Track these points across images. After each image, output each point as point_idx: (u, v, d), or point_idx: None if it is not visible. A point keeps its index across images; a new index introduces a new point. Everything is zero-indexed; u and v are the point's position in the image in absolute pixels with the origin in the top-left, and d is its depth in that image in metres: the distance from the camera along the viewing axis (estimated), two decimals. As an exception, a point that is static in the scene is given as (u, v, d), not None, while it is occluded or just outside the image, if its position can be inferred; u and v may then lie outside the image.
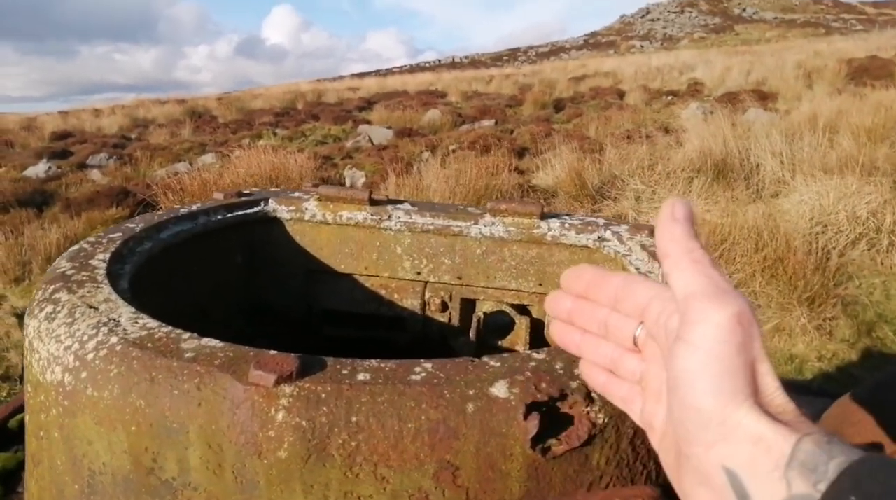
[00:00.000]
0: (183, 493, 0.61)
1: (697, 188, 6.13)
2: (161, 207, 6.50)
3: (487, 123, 12.48)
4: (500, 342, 1.19)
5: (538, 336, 1.21)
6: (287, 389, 0.59)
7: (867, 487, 0.37)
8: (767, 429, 0.42)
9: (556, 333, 0.60)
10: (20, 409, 1.05)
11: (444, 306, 1.23)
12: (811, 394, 1.99)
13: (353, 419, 0.58)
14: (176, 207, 1.14)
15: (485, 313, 1.21)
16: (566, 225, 1.15)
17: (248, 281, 1.25)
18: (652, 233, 1.07)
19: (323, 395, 0.58)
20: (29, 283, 5.48)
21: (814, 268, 4.33)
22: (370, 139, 11.22)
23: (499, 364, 0.64)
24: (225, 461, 0.59)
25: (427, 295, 1.24)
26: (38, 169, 9.87)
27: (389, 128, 12.02)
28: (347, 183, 8.22)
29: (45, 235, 5.85)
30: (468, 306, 1.25)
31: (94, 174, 9.51)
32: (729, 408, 0.43)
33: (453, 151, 9.26)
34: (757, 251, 4.30)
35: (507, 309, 1.20)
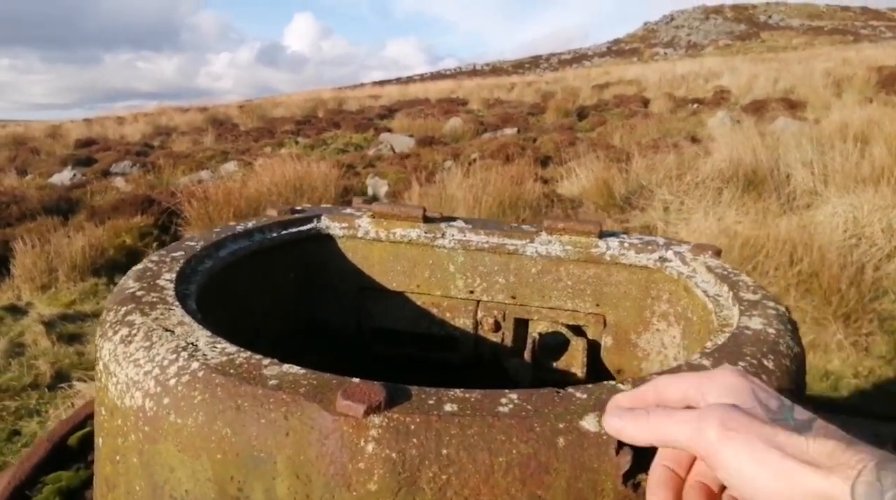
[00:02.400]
0: (269, 524, 0.61)
1: (727, 199, 6.06)
2: (186, 216, 6.55)
3: (510, 131, 12.46)
4: (555, 364, 1.18)
5: (594, 358, 1.19)
6: (376, 419, 0.58)
7: None
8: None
9: None
10: (79, 426, 1.06)
11: (497, 326, 1.22)
12: (859, 415, 1.95)
13: (444, 451, 0.57)
14: (231, 223, 1.14)
15: (540, 334, 1.19)
16: (625, 244, 1.13)
17: (301, 298, 1.25)
18: (717, 253, 1.05)
19: (412, 426, 0.58)
20: (55, 290, 5.53)
21: (849, 282, 4.25)
22: (392, 148, 11.25)
23: (585, 396, 0.63)
24: (313, 493, 0.59)
25: (480, 314, 1.23)
26: (64, 176, 10.01)
27: (411, 136, 12.04)
28: (370, 192, 8.24)
29: (71, 243, 5.89)
30: (521, 326, 1.23)
31: (118, 182, 9.61)
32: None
33: (476, 159, 9.26)
34: (792, 265, 4.24)
35: (563, 330, 1.18)
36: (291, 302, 1.24)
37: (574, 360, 1.16)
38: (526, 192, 6.68)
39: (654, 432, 0.52)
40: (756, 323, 0.81)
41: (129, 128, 17.20)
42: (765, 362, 0.72)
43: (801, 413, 0.50)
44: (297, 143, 12.53)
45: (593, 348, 1.19)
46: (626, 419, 0.54)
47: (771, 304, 0.88)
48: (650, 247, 1.12)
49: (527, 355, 1.17)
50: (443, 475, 0.57)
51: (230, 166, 9.88)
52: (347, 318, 1.29)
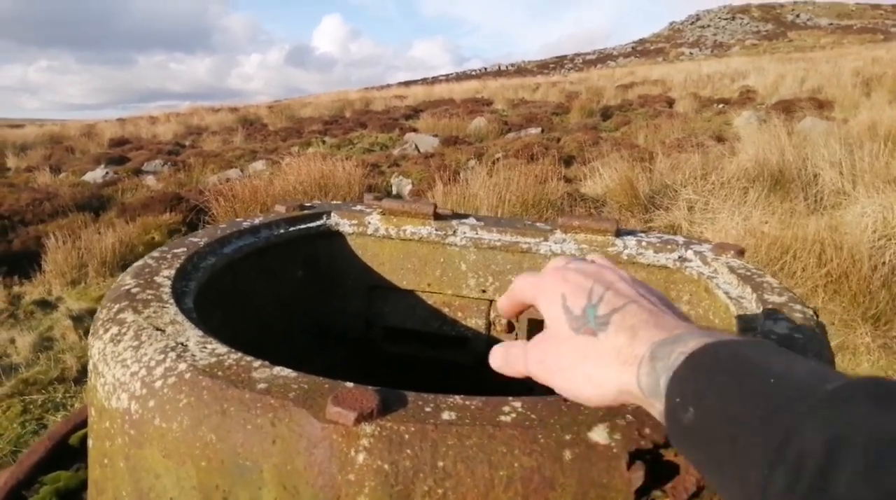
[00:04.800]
0: (255, 536, 0.57)
1: (753, 199, 5.95)
2: (213, 213, 6.59)
3: (534, 130, 12.39)
4: None
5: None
6: (368, 428, 0.54)
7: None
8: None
9: None
10: (80, 425, 1.03)
11: (511, 327, 1.18)
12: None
13: (440, 463, 0.53)
14: (238, 219, 1.11)
15: (554, 335, 1.15)
16: (643, 243, 1.08)
17: (309, 296, 1.22)
18: (739, 253, 1.00)
19: (406, 436, 0.54)
20: (85, 285, 5.61)
21: (880, 284, 4.14)
22: (416, 147, 11.24)
23: (595, 405, 0.58)
24: (301, 505, 0.55)
25: (492, 314, 1.19)
26: (96, 174, 10.16)
27: (436, 136, 12.02)
28: (394, 191, 8.24)
29: (101, 240, 5.98)
30: (535, 327, 1.19)
31: (149, 180, 9.73)
32: None
33: (499, 158, 9.20)
34: (820, 266, 4.13)
35: (579, 331, 1.13)
36: (299, 300, 1.21)
37: (590, 363, 1.11)
38: (549, 191, 6.62)
39: (504, 362, 0.61)
40: (781, 328, 0.76)
41: (161, 127, 17.42)
42: (790, 370, 0.67)
43: (605, 306, 0.54)
44: (324, 142, 12.58)
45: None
46: (497, 356, 0.63)
47: (798, 307, 0.83)
48: (669, 246, 1.07)
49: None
50: (438, 488, 0.53)
51: (258, 165, 9.95)
52: (356, 317, 1.25)
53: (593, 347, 0.53)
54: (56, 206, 7.81)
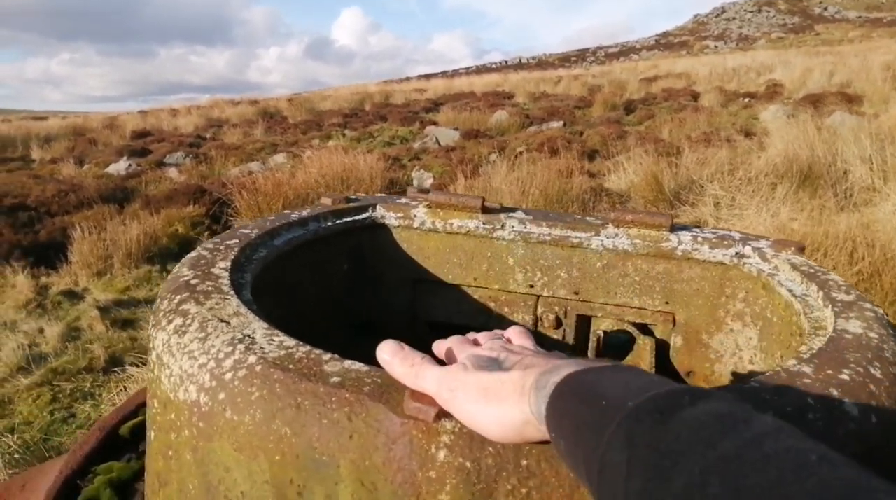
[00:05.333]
0: (332, 532, 0.56)
1: (781, 195, 5.87)
2: (236, 206, 6.63)
3: (556, 124, 12.32)
4: None
5: (662, 359, 1.12)
6: (448, 424, 0.53)
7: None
8: None
9: None
10: (130, 415, 1.04)
11: (559, 323, 1.16)
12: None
13: (524, 462, 0.52)
14: (286, 211, 1.11)
15: (604, 332, 1.13)
16: (699, 239, 1.06)
17: (354, 290, 1.21)
18: (800, 250, 0.97)
19: None
20: (110, 276, 5.66)
21: (912, 283, 4.06)
22: (437, 141, 11.21)
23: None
24: (379, 502, 0.54)
25: (540, 310, 1.17)
26: (119, 166, 10.24)
27: (456, 129, 11.99)
28: (415, 184, 8.22)
29: (126, 231, 6.02)
30: (584, 323, 1.17)
31: (172, 172, 9.79)
32: None
33: (521, 152, 9.16)
34: (851, 264, 4.07)
35: (630, 328, 1.11)
36: (344, 293, 1.20)
37: (641, 360, 1.09)
38: (573, 186, 6.57)
39: (414, 378, 0.59)
40: (855, 326, 0.74)
41: (182, 120, 17.51)
42: (871, 371, 0.65)
43: (509, 362, 0.59)
44: (344, 135, 12.59)
45: (661, 349, 1.13)
46: (397, 356, 0.61)
47: (868, 305, 0.80)
48: (726, 242, 1.05)
49: (590, 353, 1.11)
50: (522, 488, 0.51)
51: (279, 158, 9.98)
52: (401, 311, 1.24)
53: (497, 380, 0.55)
54: (81, 197, 7.88)
